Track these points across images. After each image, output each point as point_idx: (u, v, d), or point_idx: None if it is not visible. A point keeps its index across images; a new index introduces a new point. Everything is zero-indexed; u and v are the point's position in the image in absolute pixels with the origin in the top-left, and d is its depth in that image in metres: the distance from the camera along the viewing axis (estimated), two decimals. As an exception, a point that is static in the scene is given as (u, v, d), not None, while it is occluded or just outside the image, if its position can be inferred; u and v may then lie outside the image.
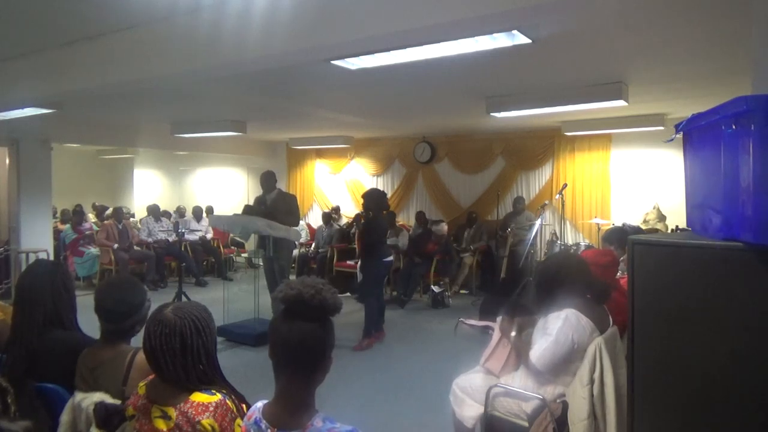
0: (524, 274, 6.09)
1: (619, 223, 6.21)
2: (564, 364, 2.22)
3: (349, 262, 7.28)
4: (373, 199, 4.90)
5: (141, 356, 1.62)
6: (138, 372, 1.63)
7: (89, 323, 1.93)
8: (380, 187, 8.43)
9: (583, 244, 6.32)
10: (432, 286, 6.53)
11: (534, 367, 2.22)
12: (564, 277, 2.28)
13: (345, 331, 4.99)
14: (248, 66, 2.79)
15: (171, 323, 1.42)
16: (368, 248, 4.81)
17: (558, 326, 2.20)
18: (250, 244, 8.18)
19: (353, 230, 4.77)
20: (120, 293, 1.81)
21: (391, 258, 5.04)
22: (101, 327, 1.81)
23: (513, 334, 2.45)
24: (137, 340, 1.63)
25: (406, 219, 8.45)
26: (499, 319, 2.54)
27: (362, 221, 4.82)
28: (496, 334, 2.59)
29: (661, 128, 5.77)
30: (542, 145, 7.25)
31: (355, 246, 7.80)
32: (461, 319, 2.88)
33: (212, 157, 10.12)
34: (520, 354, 2.41)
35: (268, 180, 5.29)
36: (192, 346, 1.42)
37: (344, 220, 8.75)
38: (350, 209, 8.76)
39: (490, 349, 2.57)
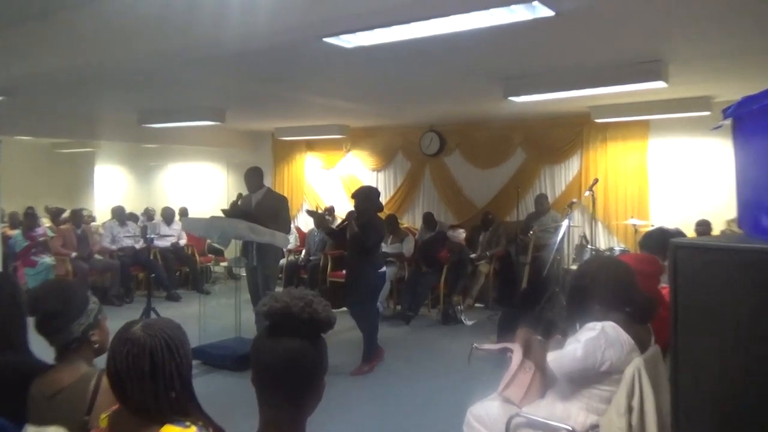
0: (549, 284, 6.07)
1: (659, 224, 6.20)
2: (585, 382, 2.21)
3: (345, 272, 7.29)
4: (367, 197, 4.89)
5: None
6: (106, 398, 1.61)
7: (43, 345, 1.92)
8: (381, 185, 8.48)
9: (617, 248, 6.31)
10: (453, 299, 6.51)
11: (550, 372, 2.22)
12: (601, 287, 2.27)
13: (340, 352, 4.98)
14: (228, 46, 2.80)
15: (140, 342, 1.41)
16: (362, 255, 4.79)
17: (590, 336, 2.18)
18: (231, 251, 8.19)
19: (340, 225, 4.71)
20: (53, 291, 1.80)
21: (384, 269, 5.03)
22: (54, 347, 1.80)
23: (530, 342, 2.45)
24: (101, 361, 1.62)
25: (411, 221, 8.46)
26: (518, 332, 2.53)
27: (355, 223, 4.81)
28: (516, 357, 2.58)
29: (707, 113, 5.74)
30: (569, 134, 7.25)
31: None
32: (475, 344, 2.87)
33: (186, 151, 10.13)
34: (534, 359, 2.40)
35: (253, 177, 5.30)
36: (164, 368, 1.41)
37: (337, 222, 8.75)
38: (346, 210, 8.74)
39: (509, 374, 2.56)
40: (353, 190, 5.22)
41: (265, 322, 1.32)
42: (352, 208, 5.00)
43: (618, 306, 2.26)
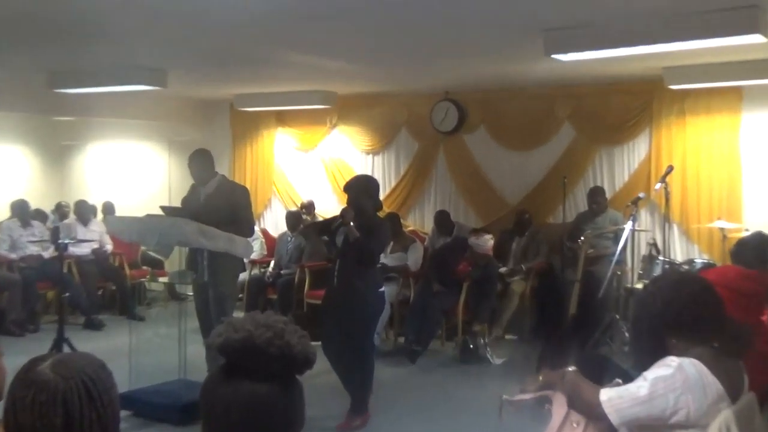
0: (606, 309, 6.09)
1: (756, 229, 6.22)
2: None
3: (329, 291, 7.33)
4: (365, 190, 4.91)
5: None
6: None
7: None
8: (378, 173, 8.49)
9: (699, 261, 6.33)
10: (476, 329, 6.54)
11: (603, 416, 2.22)
12: (677, 314, 2.28)
13: (322, 400, 4.97)
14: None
15: (49, 386, 1.42)
16: (358, 270, 4.79)
17: (661, 374, 2.19)
18: (174, 262, 8.19)
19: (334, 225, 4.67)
20: None
21: (383, 289, 5.07)
22: None
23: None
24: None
25: (418, 223, 8.48)
26: (566, 371, 2.53)
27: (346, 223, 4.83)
28: (558, 410, 2.59)
29: (822, 78, 5.79)
30: (634, 106, 7.26)
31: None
32: (505, 396, 2.88)
33: (113, 126, 10.10)
34: (576, 396, 2.40)
35: (200, 164, 5.31)
36: (81, 421, 1.42)
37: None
38: (331, 206, 8.78)
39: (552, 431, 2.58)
40: (343, 181, 5.23)
41: (220, 360, 1.32)
42: (344, 206, 4.99)
43: (702, 339, 2.27)
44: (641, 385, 2.18)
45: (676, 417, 2.17)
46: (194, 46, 5.62)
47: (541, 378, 2.61)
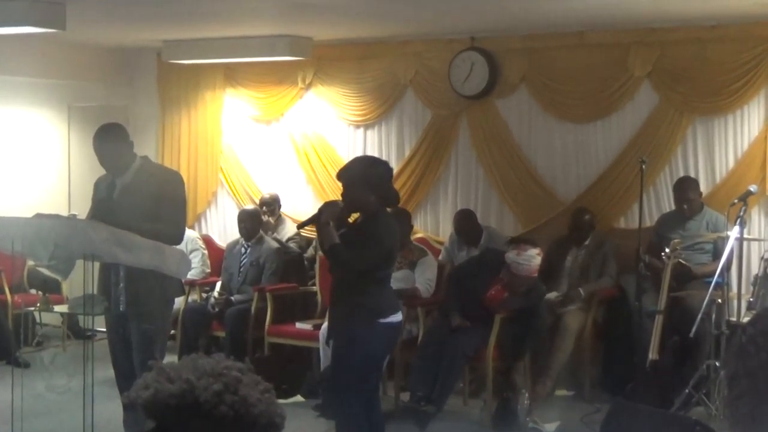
0: (702, 352, 6.09)
1: None
2: None
3: (301, 326, 7.32)
4: (365, 179, 4.94)
5: None
6: None
7: None
8: (372, 153, 8.47)
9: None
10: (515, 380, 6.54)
11: None
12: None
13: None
14: None
15: None
16: (356, 291, 4.87)
17: None
18: (77, 285, 8.17)
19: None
20: None
21: (400, 318, 5.09)
22: None
23: None
24: None
25: (431, 227, 8.51)
26: None
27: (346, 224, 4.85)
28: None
29: None
30: (744, 59, 7.26)
31: (316, 286, 7.78)
32: None
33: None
34: None
35: (110, 144, 5.33)
36: None
37: (290, 227, 8.73)
38: (304, 203, 8.78)
39: None
40: (321, 165, 5.19)
41: (146, 424, 1.33)
42: (336, 199, 5.02)
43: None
44: None
45: None
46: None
47: None
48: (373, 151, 8.58)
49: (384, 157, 8.56)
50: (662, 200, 7.48)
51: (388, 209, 5.25)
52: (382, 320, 4.91)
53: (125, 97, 9.55)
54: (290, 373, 7.09)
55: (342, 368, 4.99)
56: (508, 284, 6.80)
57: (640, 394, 5.99)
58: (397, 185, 8.51)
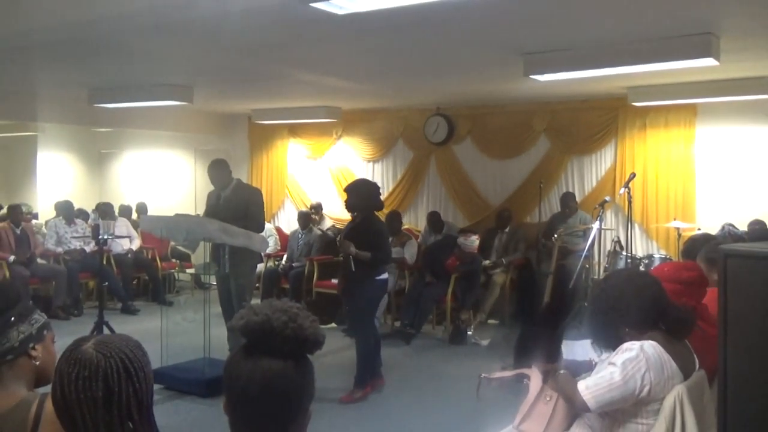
0: (576, 297, 6.09)
1: (707, 228, 6.23)
2: (621, 415, 2.22)
3: (335, 281, 7.32)
4: (360, 194, 4.92)
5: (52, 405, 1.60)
6: (50, 429, 1.61)
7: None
8: (378, 178, 8.49)
9: (657, 256, 6.32)
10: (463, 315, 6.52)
11: (582, 404, 2.22)
12: (630, 303, 2.29)
13: (329, 376, 4.99)
14: (200, 10, 2.80)
15: (92, 363, 1.41)
16: (358, 261, 4.82)
17: (628, 356, 2.20)
18: (199, 256, 8.18)
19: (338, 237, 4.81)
20: None
21: (386, 276, 5.07)
22: None
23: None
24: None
25: (413, 222, 8.47)
26: (558, 372, 2.53)
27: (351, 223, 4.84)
28: (534, 384, 2.59)
29: (765, 96, 5.77)
30: (602, 120, 7.26)
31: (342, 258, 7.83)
32: (483, 374, 2.88)
33: (146, 137, 10.12)
34: (561, 390, 2.41)
35: (218, 171, 5.36)
36: (120, 395, 1.42)
37: (328, 223, 8.76)
38: (336, 208, 8.77)
39: (527, 405, 2.57)
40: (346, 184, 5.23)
41: (241, 340, 1.32)
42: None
43: (651, 323, 2.28)
44: (613, 371, 2.18)
45: (642, 393, 2.18)
46: (217, 66, 5.62)
47: (534, 367, 2.62)
48: (377, 177, 8.55)
49: (384, 180, 8.60)
50: (552, 205, 7.44)
51: (377, 212, 5.20)
52: (378, 277, 4.92)
53: (229, 143, 9.56)
54: (328, 309, 7.08)
55: (362, 308, 4.96)
56: (459, 256, 6.80)
57: (539, 322, 5.99)
58: (392, 197, 8.56)
